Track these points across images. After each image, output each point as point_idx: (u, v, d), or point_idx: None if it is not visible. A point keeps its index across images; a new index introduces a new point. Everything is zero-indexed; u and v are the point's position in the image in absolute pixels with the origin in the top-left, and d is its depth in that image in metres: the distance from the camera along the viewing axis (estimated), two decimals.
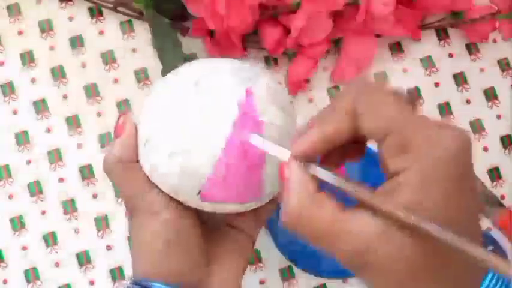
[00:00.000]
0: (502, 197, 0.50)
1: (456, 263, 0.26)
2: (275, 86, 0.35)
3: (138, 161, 0.35)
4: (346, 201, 0.27)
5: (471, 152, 0.26)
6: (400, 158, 0.25)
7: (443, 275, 0.26)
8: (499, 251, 0.30)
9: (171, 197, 0.34)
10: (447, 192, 0.25)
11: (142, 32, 0.50)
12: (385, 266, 0.26)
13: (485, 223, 0.50)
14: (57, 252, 0.48)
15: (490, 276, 0.27)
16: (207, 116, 0.32)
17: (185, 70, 0.35)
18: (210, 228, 0.37)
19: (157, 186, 0.34)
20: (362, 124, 0.27)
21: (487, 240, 0.29)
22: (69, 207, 0.48)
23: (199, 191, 0.32)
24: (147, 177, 0.34)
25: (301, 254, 0.48)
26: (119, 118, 0.36)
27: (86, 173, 0.49)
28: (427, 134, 0.25)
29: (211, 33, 0.48)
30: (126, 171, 0.35)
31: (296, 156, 0.28)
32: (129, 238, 0.37)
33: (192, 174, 0.32)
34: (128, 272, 0.48)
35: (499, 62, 0.52)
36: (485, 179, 0.50)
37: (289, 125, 0.34)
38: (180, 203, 0.34)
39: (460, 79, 0.51)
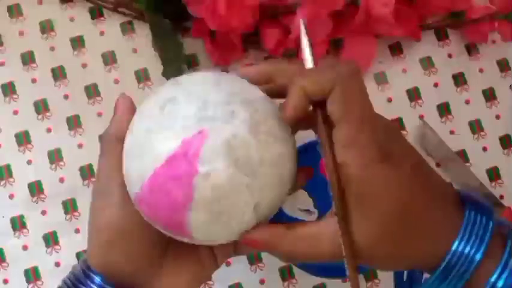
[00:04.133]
0: (501, 197, 0.50)
1: (441, 196, 0.31)
2: (246, 139, 0.31)
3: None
4: None
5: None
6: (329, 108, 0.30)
7: (431, 206, 0.30)
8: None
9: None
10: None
11: (143, 32, 0.51)
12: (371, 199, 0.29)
13: None
14: (57, 252, 0.48)
15: (471, 212, 0.30)
16: (151, 141, 0.31)
17: (167, 88, 0.33)
18: None
19: None
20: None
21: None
22: (70, 207, 0.48)
23: (135, 200, 0.32)
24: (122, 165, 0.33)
25: None
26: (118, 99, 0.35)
27: (86, 172, 0.49)
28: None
29: (211, 34, 0.48)
30: (114, 144, 0.34)
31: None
32: None
33: (129, 184, 0.32)
34: None
35: (498, 62, 0.52)
36: (484, 179, 0.50)
37: (238, 183, 0.31)
38: None
39: (459, 79, 0.52)
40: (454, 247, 0.29)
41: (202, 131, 0.30)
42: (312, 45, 0.32)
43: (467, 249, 0.29)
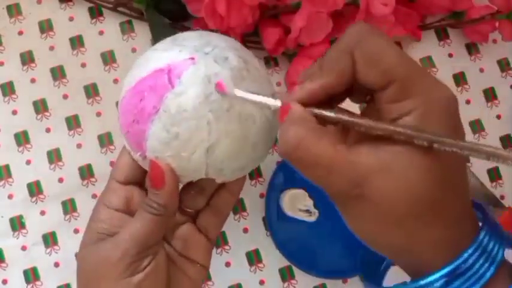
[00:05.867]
0: (502, 197, 0.50)
1: (461, 201, 0.27)
2: (225, 83, 0.33)
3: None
4: None
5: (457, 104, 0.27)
6: (401, 104, 0.26)
7: (446, 212, 0.26)
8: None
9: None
10: (445, 129, 0.26)
11: (143, 32, 0.50)
12: (382, 199, 0.26)
13: None
14: (56, 253, 0.48)
15: (483, 233, 0.27)
16: (152, 56, 0.35)
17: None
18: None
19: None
20: (362, 76, 0.27)
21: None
22: (69, 207, 0.48)
23: (119, 106, 0.36)
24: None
25: (298, 253, 0.48)
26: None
27: (86, 173, 0.49)
28: (426, 81, 0.27)
29: None
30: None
31: (296, 101, 0.28)
32: None
33: (122, 91, 0.36)
34: None
35: (498, 62, 0.52)
36: (484, 179, 0.50)
37: (201, 116, 0.32)
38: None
39: (459, 79, 0.52)
40: (466, 254, 0.26)
41: (193, 58, 0.33)
42: None
43: (480, 261, 0.26)
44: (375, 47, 0.27)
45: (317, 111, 0.28)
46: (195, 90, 0.32)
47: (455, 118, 0.27)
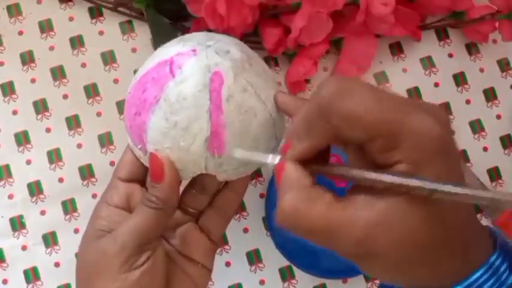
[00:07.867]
0: None
1: (462, 238, 0.27)
2: (225, 73, 0.33)
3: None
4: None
5: (450, 126, 0.27)
6: (391, 154, 0.26)
7: (449, 252, 0.26)
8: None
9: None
10: (440, 174, 0.25)
11: (143, 32, 0.50)
12: (387, 253, 0.26)
13: (484, 223, 0.50)
14: (57, 253, 0.48)
15: (494, 256, 0.27)
16: (158, 51, 0.36)
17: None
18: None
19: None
20: (346, 135, 0.26)
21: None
22: (69, 207, 0.48)
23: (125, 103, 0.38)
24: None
25: (298, 253, 0.48)
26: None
27: (86, 172, 0.49)
28: (412, 125, 0.25)
29: None
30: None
31: (291, 160, 0.28)
32: None
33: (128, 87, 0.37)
34: None
35: (498, 62, 0.52)
36: (484, 179, 0.50)
37: (200, 104, 0.32)
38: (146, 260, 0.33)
39: (459, 79, 0.52)
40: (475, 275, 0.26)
41: (194, 50, 0.34)
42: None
43: (490, 283, 0.26)
44: (349, 108, 0.26)
45: (315, 168, 0.28)
46: (194, 79, 0.33)
47: (449, 159, 0.26)
